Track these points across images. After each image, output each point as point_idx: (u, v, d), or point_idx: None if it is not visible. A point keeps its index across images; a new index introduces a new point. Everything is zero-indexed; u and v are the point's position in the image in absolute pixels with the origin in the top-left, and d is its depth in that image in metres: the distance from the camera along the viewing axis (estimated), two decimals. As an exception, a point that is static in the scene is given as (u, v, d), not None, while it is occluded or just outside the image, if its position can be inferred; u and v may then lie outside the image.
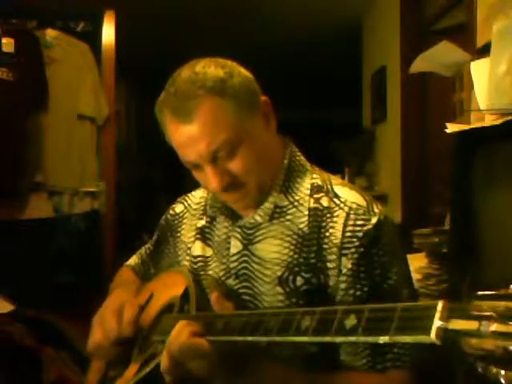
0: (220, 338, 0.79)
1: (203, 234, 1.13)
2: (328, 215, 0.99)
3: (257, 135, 0.99)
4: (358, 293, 0.94)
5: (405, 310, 0.53)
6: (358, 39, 4.49)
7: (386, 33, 3.79)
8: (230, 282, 1.05)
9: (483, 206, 1.74)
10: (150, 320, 1.06)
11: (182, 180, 3.19)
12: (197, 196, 1.22)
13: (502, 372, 0.44)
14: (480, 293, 0.48)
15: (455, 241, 1.87)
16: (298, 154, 1.09)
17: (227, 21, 4.49)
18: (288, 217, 1.02)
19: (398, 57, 3.38)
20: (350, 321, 0.58)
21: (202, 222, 1.15)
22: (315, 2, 4.15)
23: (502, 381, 0.44)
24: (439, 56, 1.90)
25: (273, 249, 1.01)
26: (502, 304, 0.45)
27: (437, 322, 0.49)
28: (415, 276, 1.98)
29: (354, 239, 0.95)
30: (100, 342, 1.06)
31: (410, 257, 1.85)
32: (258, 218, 1.03)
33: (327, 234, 0.97)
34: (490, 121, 1.51)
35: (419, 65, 1.99)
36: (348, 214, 0.97)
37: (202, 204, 1.18)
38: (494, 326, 0.45)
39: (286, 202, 1.03)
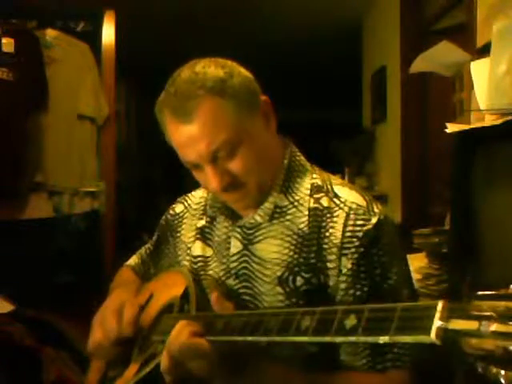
0: (220, 338, 0.79)
1: (203, 234, 1.13)
2: (328, 215, 0.99)
3: (257, 135, 0.98)
4: (358, 293, 0.94)
5: (405, 310, 0.53)
6: (358, 39, 4.49)
7: (386, 33, 3.79)
8: (230, 282, 1.05)
9: (483, 206, 1.74)
10: (150, 320, 1.06)
11: (181, 180, 3.20)
12: (197, 196, 1.22)
13: (502, 372, 0.44)
14: (480, 293, 0.48)
15: (455, 241, 1.87)
16: (298, 154, 1.09)
17: (227, 21, 4.49)
18: (288, 217, 1.02)
19: (398, 57, 3.37)
20: (350, 321, 0.58)
21: (202, 222, 1.15)
22: (315, 2, 4.15)
23: (502, 381, 0.44)
24: (439, 56, 1.90)
25: (273, 249, 1.01)
26: (502, 304, 0.45)
27: (437, 322, 0.49)
28: (415, 276, 1.98)
29: (354, 239, 0.95)
30: (100, 341, 1.06)
31: (410, 257, 1.85)
32: (258, 218, 1.03)
33: (327, 233, 0.97)
34: (490, 121, 1.51)
35: (419, 65, 1.99)
36: (348, 214, 0.97)
37: (202, 204, 1.18)
38: (494, 326, 0.45)
39: (286, 202, 1.03)
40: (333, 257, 0.96)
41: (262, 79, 1.03)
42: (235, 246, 1.06)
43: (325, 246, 0.97)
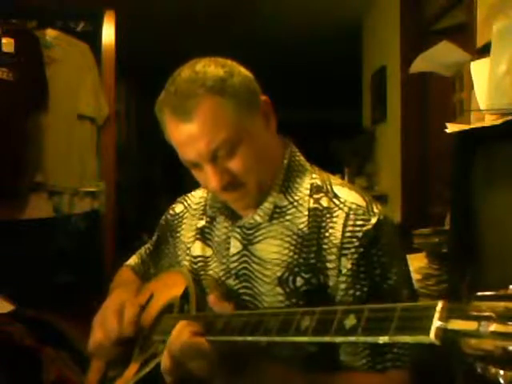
0: (220, 338, 0.79)
1: (203, 234, 1.13)
2: (328, 215, 0.99)
3: (257, 135, 0.99)
4: (358, 293, 0.94)
5: (404, 310, 0.53)
6: (358, 39, 4.49)
7: (386, 33, 3.79)
8: (230, 282, 1.05)
9: (483, 206, 1.74)
10: (150, 320, 1.07)
11: (181, 180, 3.20)
12: (197, 196, 1.22)
13: (501, 372, 0.44)
14: (479, 293, 0.48)
15: (455, 241, 1.87)
16: (298, 154, 1.09)
17: (227, 21, 4.49)
18: (288, 217, 1.02)
19: (398, 57, 3.37)
20: (350, 321, 0.58)
21: (202, 222, 1.15)
22: (315, 2, 4.15)
23: (501, 381, 0.44)
24: (439, 56, 1.89)
25: (272, 249, 1.01)
26: (502, 304, 0.45)
27: (436, 322, 0.49)
28: (415, 276, 1.98)
29: (354, 239, 0.95)
30: (101, 341, 1.06)
31: (409, 257, 1.86)
32: (258, 218, 1.03)
33: (327, 234, 0.97)
34: (490, 121, 1.51)
35: (419, 65, 1.99)
36: (347, 215, 0.97)
37: (202, 204, 1.18)
38: (494, 327, 0.45)
39: (286, 202, 1.03)
40: (332, 257, 0.96)
41: (261, 79, 1.03)
42: (235, 246, 1.05)
43: (324, 247, 0.97)
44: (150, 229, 1.43)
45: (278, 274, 0.99)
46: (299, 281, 0.97)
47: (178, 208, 1.24)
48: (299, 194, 1.03)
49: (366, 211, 0.97)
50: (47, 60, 2.77)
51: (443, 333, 0.49)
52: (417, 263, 2.03)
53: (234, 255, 1.05)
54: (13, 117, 2.60)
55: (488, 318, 0.45)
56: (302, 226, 1.00)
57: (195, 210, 1.19)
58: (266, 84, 1.09)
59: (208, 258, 1.11)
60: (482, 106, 1.58)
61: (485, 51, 1.66)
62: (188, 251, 1.15)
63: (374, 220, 0.96)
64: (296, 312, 0.69)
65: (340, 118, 6.18)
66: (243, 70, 1.00)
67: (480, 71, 1.62)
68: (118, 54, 3.16)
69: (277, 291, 0.98)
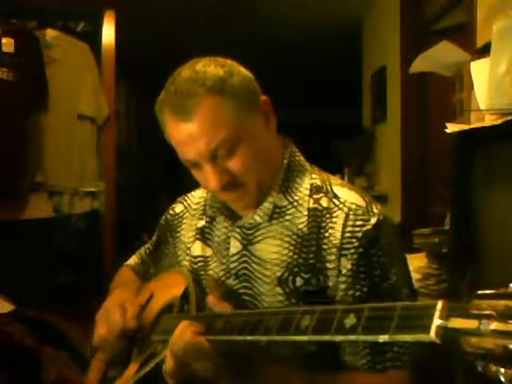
0: (220, 338, 0.79)
1: (203, 234, 1.13)
2: (327, 216, 0.99)
3: (256, 134, 0.99)
4: (358, 293, 0.94)
5: (404, 309, 0.53)
6: (358, 39, 4.49)
7: (386, 33, 3.79)
8: (230, 282, 1.05)
9: (483, 206, 1.74)
10: (149, 320, 1.07)
11: (181, 180, 3.19)
12: (196, 196, 1.22)
13: (502, 370, 0.44)
14: (480, 292, 0.48)
15: (455, 241, 1.87)
16: (298, 154, 1.09)
17: (227, 21, 4.50)
18: (287, 217, 1.02)
19: (398, 57, 3.37)
20: (350, 320, 0.58)
21: (202, 222, 1.15)
22: (315, 2, 4.15)
23: (502, 379, 0.44)
24: (439, 56, 1.89)
25: (272, 249, 1.01)
26: (502, 303, 0.45)
27: (436, 321, 0.49)
28: (415, 276, 1.98)
29: (354, 240, 0.95)
30: (105, 335, 1.07)
31: (409, 257, 1.86)
32: (258, 218, 1.03)
33: (326, 234, 0.97)
34: (490, 121, 1.51)
35: (419, 65, 1.99)
36: (347, 215, 0.97)
37: (202, 204, 1.18)
38: (494, 325, 0.45)
39: (286, 202, 1.03)
40: (332, 257, 0.96)
41: (261, 79, 1.03)
42: (235, 246, 1.05)
43: (324, 247, 0.97)
44: (150, 229, 1.43)
45: (278, 274, 0.99)
46: (299, 281, 0.97)
47: (178, 208, 1.24)
48: (299, 194, 1.03)
49: (366, 211, 0.97)
50: (47, 60, 2.77)
51: (444, 331, 0.49)
52: (417, 263, 2.03)
53: (233, 255, 1.05)
54: (13, 117, 2.60)
55: (488, 317, 0.45)
56: (301, 226, 1.00)
57: (195, 209, 1.19)
58: (265, 84, 1.09)
59: (208, 257, 1.11)
60: (482, 106, 1.58)
61: (485, 51, 1.66)
62: (188, 251, 1.15)
63: (373, 220, 0.96)
64: (296, 311, 0.69)
65: (340, 118, 6.18)
66: (243, 70, 1.00)
67: (480, 71, 1.62)
68: (118, 54, 3.16)
69: (276, 291, 0.98)
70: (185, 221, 1.20)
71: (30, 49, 2.70)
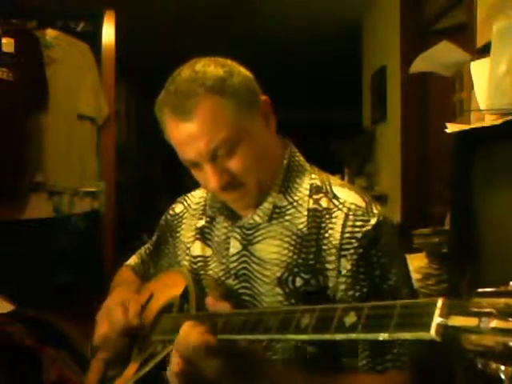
0: (220, 337, 0.79)
1: (203, 234, 1.13)
2: (327, 216, 0.99)
3: (256, 134, 0.99)
4: (358, 294, 0.94)
5: (404, 307, 0.53)
6: (358, 39, 4.49)
7: (386, 33, 3.79)
8: (230, 282, 1.05)
9: (483, 206, 1.74)
10: (149, 320, 1.07)
11: (181, 180, 3.20)
12: (196, 196, 1.22)
13: (502, 367, 0.44)
14: (480, 290, 0.48)
15: (455, 241, 1.87)
16: (298, 154, 1.09)
17: (227, 21, 4.50)
18: (287, 217, 1.02)
19: (398, 57, 3.37)
20: (350, 318, 0.58)
21: (202, 222, 1.15)
22: (315, 2, 4.15)
23: (502, 376, 0.44)
24: (439, 56, 1.89)
25: (272, 249, 1.01)
26: (502, 301, 0.45)
27: (436, 319, 0.49)
28: (415, 276, 1.98)
29: (353, 240, 0.95)
30: (106, 334, 1.06)
31: (409, 257, 1.86)
32: (257, 219, 1.03)
33: (326, 234, 0.97)
34: (490, 121, 1.51)
35: (419, 65, 1.99)
36: (347, 215, 0.97)
37: (202, 204, 1.18)
38: (494, 323, 0.45)
39: (285, 203, 1.03)
40: (332, 258, 0.96)
41: (261, 79, 1.03)
42: (234, 246, 1.05)
43: (324, 247, 0.97)
44: (150, 229, 1.43)
45: (278, 274, 0.99)
46: (298, 281, 0.97)
47: (178, 208, 1.24)
48: (299, 194, 1.03)
49: (366, 212, 0.97)
50: (47, 60, 2.77)
51: (444, 329, 0.49)
52: (417, 263, 2.03)
53: (233, 255, 1.05)
54: (13, 117, 2.60)
55: (488, 314, 0.45)
56: (301, 226, 1.00)
57: (195, 209, 1.19)
58: (265, 84, 1.09)
59: (208, 257, 1.11)
60: (482, 106, 1.58)
61: (485, 51, 1.66)
62: (188, 251, 1.15)
63: (373, 221, 0.96)
64: (296, 310, 0.68)
65: (340, 118, 6.18)
66: (243, 70, 1.00)
67: (480, 71, 1.62)
68: (118, 54, 3.16)
69: (276, 291, 0.98)
70: (185, 221, 1.20)
71: (30, 49, 2.70)
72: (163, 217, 1.28)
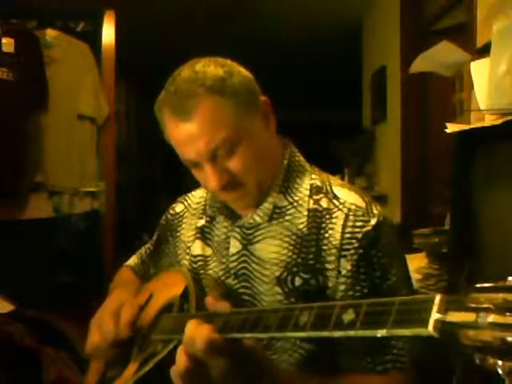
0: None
1: (203, 234, 1.13)
2: (327, 216, 0.99)
3: (256, 134, 0.99)
4: (358, 294, 0.94)
5: (402, 304, 0.53)
6: (358, 39, 4.49)
7: (386, 33, 3.79)
8: (230, 281, 1.05)
9: (483, 206, 1.74)
10: (149, 319, 1.06)
11: (181, 180, 3.20)
12: (197, 196, 1.22)
13: (500, 362, 0.44)
14: (478, 285, 0.48)
15: (455, 241, 1.87)
16: (298, 154, 1.09)
17: (227, 21, 4.50)
18: (287, 217, 1.02)
19: (398, 57, 3.38)
20: (348, 315, 0.58)
21: (202, 222, 1.15)
22: (315, 2, 4.15)
23: (500, 371, 0.44)
24: (439, 56, 1.90)
25: (272, 249, 1.01)
26: (500, 296, 0.46)
27: (434, 315, 0.49)
28: (415, 276, 1.98)
29: (353, 240, 0.95)
30: (97, 343, 1.05)
31: (409, 257, 1.86)
32: (257, 218, 1.03)
33: (326, 235, 0.97)
34: (490, 121, 1.51)
35: (419, 65, 1.99)
36: (347, 216, 0.97)
37: (202, 204, 1.18)
38: (492, 318, 0.45)
39: (285, 203, 1.03)
40: (332, 258, 0.96)
41: (261, 79, 1.04)
42: (234, 245, 1.06)
43: (324, 247, 0.97)
44: (150, 229, 1.44)
45: (277, 273, 0.99)
46: (298, 281, 0.97)
47: (178, 207, 1.24)
48: (299, 194, 1.03)
49: (366, 212, 0.97)
50: (47, 60, 2.77)
51: (441, 325, 0.49)
52: (417, 263, 2.03)
53: (233, 255, 1.05)
54: (13, 117, 2.60)
55: (486, 310, 0.45)
56: (301, 226, 1.00)
57: (195, 209, 1.19)
58: (265, 84, 1.09)
59: (208, 257, 1.11)
60: (482, 106, 1.58)
61: (485, 51, 1.66)
62: (188, 250, 1.15)
63: (373, 221, 0.96)
64: (294, 308, 0.68)
65: (340, 118, 6.18)
66: (243, 70, 1.01)
67: (480, 71, 1.62)
68: (118, 54, 3.16)
69: (275, 291, 0.98)
70: (185, 220, 1.20)
71: (30, 49, 2.70)
72: (163, 216, 1.28)
